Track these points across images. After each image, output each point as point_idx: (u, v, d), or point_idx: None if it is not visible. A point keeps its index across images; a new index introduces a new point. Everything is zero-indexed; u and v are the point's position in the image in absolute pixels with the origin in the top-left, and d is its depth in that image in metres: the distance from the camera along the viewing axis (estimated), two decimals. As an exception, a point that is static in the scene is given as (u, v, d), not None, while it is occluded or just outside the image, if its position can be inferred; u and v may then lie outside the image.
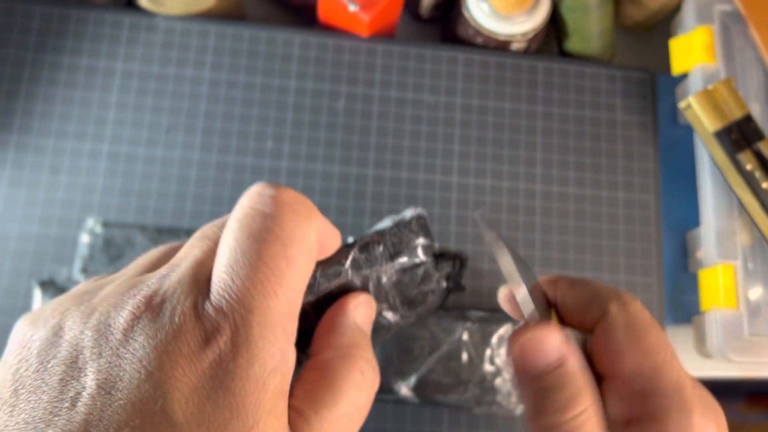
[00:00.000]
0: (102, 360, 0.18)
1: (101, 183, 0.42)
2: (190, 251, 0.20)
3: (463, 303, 0.42)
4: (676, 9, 0.48)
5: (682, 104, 0.43)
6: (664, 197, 0.45)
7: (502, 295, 0.27)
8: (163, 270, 0.20)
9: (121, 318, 0.18)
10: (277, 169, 0.43)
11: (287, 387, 0.19)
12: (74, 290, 0.21)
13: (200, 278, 0.19)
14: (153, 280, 0.19)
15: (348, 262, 0.23)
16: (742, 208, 0.41)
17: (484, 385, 0.39)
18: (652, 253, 0.44)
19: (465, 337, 0.40)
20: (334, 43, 0.45)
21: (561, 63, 0.47)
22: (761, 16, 0.44)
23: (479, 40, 0.46)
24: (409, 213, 0.24)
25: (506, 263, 0.24)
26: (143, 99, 0.44)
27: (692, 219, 0.44)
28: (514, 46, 0.46)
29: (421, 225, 0.25)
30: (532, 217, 0.44)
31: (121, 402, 0.17)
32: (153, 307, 0.18)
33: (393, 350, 0.40)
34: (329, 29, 0.46)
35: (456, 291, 0.27)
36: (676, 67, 0.45)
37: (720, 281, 0.40)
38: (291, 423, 0.19)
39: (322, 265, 0.23)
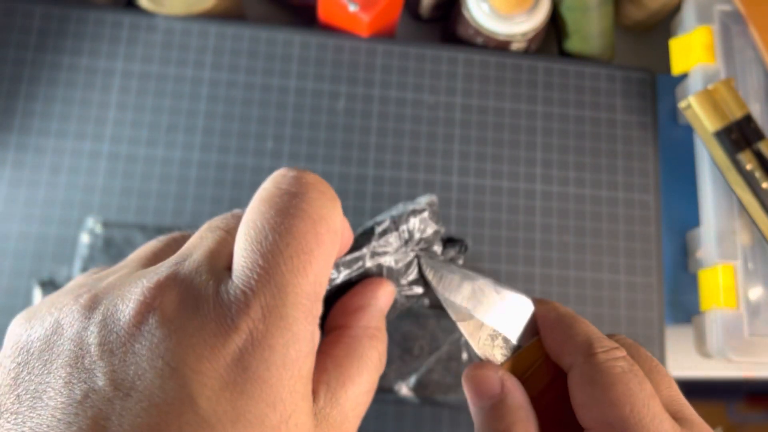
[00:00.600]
0: (114, 358, 0.16)
1: (101, 183, 0.42)
2: (201, 241, 0.19)
3: (463, 303, 0.42)
4: (676, 9, 0.48)
5: (682, 104, 0.43)
6: (664, 197, 0.45)
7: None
8: (173, 259, 0.18)
9: (131, 309, 0.16)
10: (278, 169, 0.43)
11: (313, 369, 0.18)
12: (70, 284, 0.19)
13: (218, 266, 0.18)
14: (163, 268, 0.17)
15: (368, 251, 0.23)
16: (742, 208, 0.41)
17: (484, 385, 0.39)
18: (652, 253, 0.44)
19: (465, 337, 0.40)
20: (334, 43, 0.45)
21: (561, 63, 0.47)
22: (761, 16, 0.44)
23: (479, 40, 0.46)
24: (423, 199, 0.25)
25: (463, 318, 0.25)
26: (143, 99, 0.44)
27: (692, 219, 0.44)
28: (514, 46, 0.46)
29: (434, 212, 0.25)
30: (532, 217, 0.44)
31: (144, 405, 0.15)
32: (168, 295, 0.16)
33: (393, 350, 0.40)
34: (329, 29, 0.46)
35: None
36: (676, 67, 0.45)
37: (720, 281, 0.40)
38: (315, 394, 0.18)
39: (343, 257, 0.23)
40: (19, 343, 0.17)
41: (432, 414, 0.40)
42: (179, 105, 0.44)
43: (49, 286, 0.40)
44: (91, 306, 0.17)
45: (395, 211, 0.25)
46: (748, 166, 0.40)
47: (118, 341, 0.16)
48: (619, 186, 0.45)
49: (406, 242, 0.24)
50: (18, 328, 0.18)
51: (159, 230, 0.41)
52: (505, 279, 0.42)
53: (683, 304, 0.43)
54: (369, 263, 0.23)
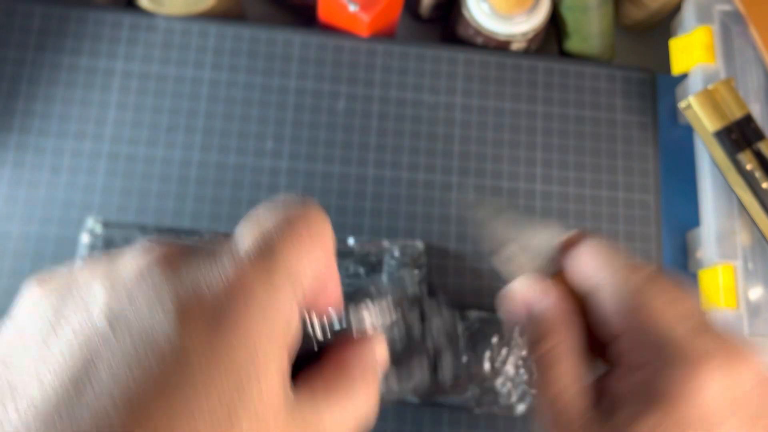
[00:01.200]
0: (113, 296, 0.17)
1: (101, 183, 0.42)
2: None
3: (464, 303, 0.42)
4: (676, 9, 0.48)
5: (682, 104, 0.43)
6: (664, 197, 0.45)
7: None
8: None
9: (138, 257, 0.18)
10: (277, 169, 0.43)
11: (290, 352, 0.19)
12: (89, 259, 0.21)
13: (227, 242, 0.20)
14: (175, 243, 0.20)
15: (351, 317, 0.24)
16: (742, 208, 0.41)
17: (484, 385, 0.39)
18: (652, 253, 0.44)
19: (465, 337, 0.40)
20: (334, 43, 0.45)
21: (561, 63, 0.47)
22: (761, 16, 0.44)
23: (479, 40, 0.46)
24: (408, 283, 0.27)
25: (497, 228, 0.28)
26: (143, 99, 0.44)
27: (692, 219, 0.44)
28: (514, 46, 0.46)
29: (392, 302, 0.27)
30: (532, 217, 0.44)
31: (133, 341, 0.16)
32: (171, 248, 0.18)
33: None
34: (329, 29, 0.46)
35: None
36: (676, 67, 0.45)
37: (720, 281, 0.40)
38: (301, 399, 0.19)
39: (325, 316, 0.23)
40: (35, 303, 0.19)
41: (432, 414, 0.40)
42: (179, 105, 0.44)
43: (49, 286, 0.40)
44: (103, 260, 0.19)
45: (380, 284, 0.26)
46: (748, 166, 0.40)
47: (120, 282, 0.18)
48: (619, 186, 0.45)
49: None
50: (36, 288, 0.20)
51: (159, 230, 0.41)
52: (504, 279, 0.42)
53: (683, 304, 0.43)
54: (356, 325, 0.24)
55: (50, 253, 0.41)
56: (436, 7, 0.49)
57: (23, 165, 0.42)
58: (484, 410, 0.39)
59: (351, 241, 0.42)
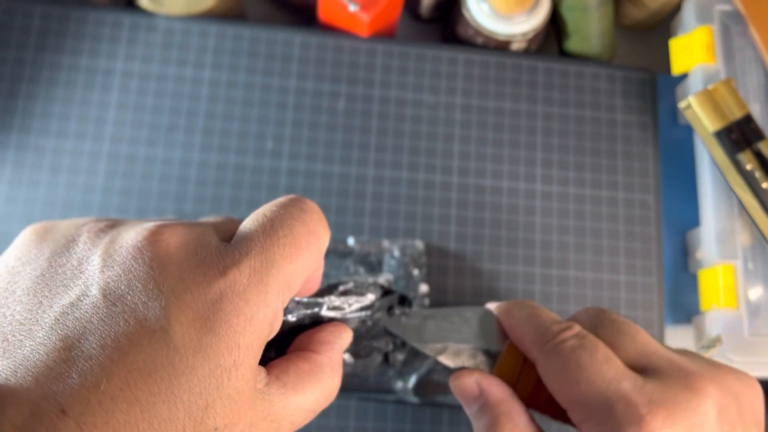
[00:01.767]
0: (112, 272, 0.18)
1: (101, 183, 0.42)
2: (209, 217, 0.22)
3: (463, 303, 0.42)
4: (676, 9, 0.48)
5: (682, 104, 0.43)
6: (664, 197, 0.45)
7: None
8: (184, 221, 0.21)
9: (139, 235, 0.19)
10: (277, 169, 0.43)
11: (262, 346, 0.20)
12: (93, 217, 0.22)
13: (223, 231, 0.21)
14: (176, 221, 0.20)
15: (326, 302, 0.25)
16: (742, 208, 0.41)
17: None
18: (652, 253, 0.44)
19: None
20: (334, 43, 0.45)
21: (561, 63, 0.47)
22: (761, 16, 0.44)
23: (479, 40, 0.46)
24: (382, 278, 0.28)
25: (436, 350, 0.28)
26: (143, 99, 0.44)
27: (692, 219, 0.44)
28: (514, 46, 0.46)
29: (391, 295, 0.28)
30: (532, 217, 0.44)
31: (125, 316, 0.17)
32: (174, 235, 0.19)
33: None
34: (329, 29, 0.46)
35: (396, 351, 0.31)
36: (676, 67, 0.45)
37: (720, 281, 0.40)
38: (271, 385, 0.20)
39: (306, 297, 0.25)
40: (30, 245, 0.20)
41: (432, 414, 0.40)
42: (179, 105, 0.44)
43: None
44: (106, 230, 0.20)
45: (358, 277, 0.27)
46: (748, 166, 0.40)
47: (120, 259, 0.18)
48: (619, 186, 0.45)
49: (365, 308, 0.27)
50: (32, 235, 0.21)
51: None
52: (505, 279, 0.42)
53: (683, 304, 0.43)
54: (324, 312, 0.25)
55: (50, 253, 0.41)
56: (436, 7, 0.49)
57: (23, 165, 0.42)
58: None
59: (351, 241, 0.42)
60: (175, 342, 0.17)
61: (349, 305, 0.26)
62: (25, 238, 0.21)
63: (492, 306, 0.28)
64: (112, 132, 0.43)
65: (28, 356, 0.16)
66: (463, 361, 0.28)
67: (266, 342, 0.20)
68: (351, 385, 0.35)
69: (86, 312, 0.17)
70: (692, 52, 0.44)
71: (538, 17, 0.44)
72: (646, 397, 0.22)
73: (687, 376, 0.22)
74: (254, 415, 0.19)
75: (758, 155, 0.40)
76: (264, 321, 0.19)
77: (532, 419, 0.26)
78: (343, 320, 0.26)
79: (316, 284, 0.24)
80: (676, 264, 0.44)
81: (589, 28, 0.46)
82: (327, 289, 0.26)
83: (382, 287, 0.27)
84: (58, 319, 0.17)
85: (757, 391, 0.24)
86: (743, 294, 0.40)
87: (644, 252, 0.44)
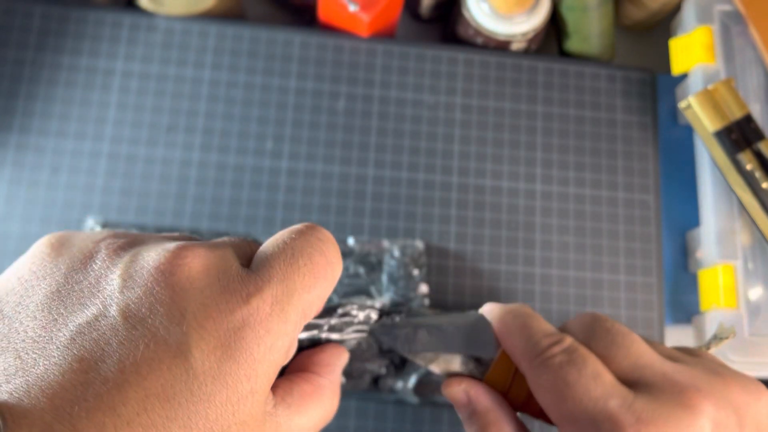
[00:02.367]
0: (132, 293, 0.18)
1: (101, 183, 0.42)
2: (228, 239, 0.22)
3: (463, 303, 0.42)
4: (676, 9, 0.48)
5: (682, 104, 0.43)
6: (664, 197, 0.45)
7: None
8: (206, 242, 0.21)
9: (162, 257, 0.18)
10: (277, 169, 0.43)
11: (277, 371, 0.20)
12: (110, 231, 0.21)
13: (241, 254, 0.21)
14: (196, 243, 0.20)
15: (325, 323, 0.26)
16: (742, 208, 0.41)
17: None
18: (652, 253, 0.44)
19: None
20: (334, 43, 0.45)
21: (561, 63, 0.47)
22: (761, 16, 0.44)
23: (479, 40, 0.46)
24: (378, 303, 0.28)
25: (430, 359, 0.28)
26: (143, 99, 0.44)
27: (692, 219, 0.44)
28: (514, 46, 0.46)
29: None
30: (532, 217, 0.44)
31: (146, 339, 0.17)
32: (197, 258, 0.19)
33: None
34: (329, 29, 0.46)
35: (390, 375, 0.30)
36: (676, 67, 0.45)
37: (720, 281, 0.40)
38: (278, 408, 0.20)
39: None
40: (45, 258, 0.19)
41: (432, 414, 0.40)
42: (179, 105, 0.44)
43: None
44: (126, 247, 0.19)
45: (357, 300, 0.28)
46: (748, 166, 0.40)
47: (141, 281, 0.18)
48: (619, 186, 0.45)
49: (362, 330, 0.27)
50: (47, 248, 0.20)
51: (159, 230, 0.41)
52: (505, 279, 0.42)
53: (683, 304, 0.43)
54: (323, 335, 0.25)
55: (50, 253, 0.41)
56: (436, 7, 0.49)
57: (23, 165, 0.42)
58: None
59: (351, 241, 0.42)
60: (195, 368, 0.17)
61: (347, 327, 0.26)
62: (39, 249, 0.20)
63: (488, 309, 0.28)
64: (112, 132, 0.43)
65: (42, 376, 0.16)
66: (455, 367, 0.27)
67: (281, 368, 0.20)
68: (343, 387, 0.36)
69: (104, 333, 0.17)
70: (692, 52, 0.44)
71: (538, 17, 0.44)
72: (634, 416, 0.21)
73: (681, 392, 0.21)
74: None
75: (758, 155, 0.40)
76: (282, 349, 0.19)
77: (522, 427, 0.26)
78: (340, 341, 0.26)
79: (319, 308, 0.24)
80: (676, 264, 0.44)
81: (589, 28, 0.46)
82: (326, 312, 0.26)
83: (380, 311, 0.28)
84: (74, 339, 0.17)
85: (764, 398, 0.23)
86: (743, 294, 0.40)
87: (644, 252, 0.44)
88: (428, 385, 0.39)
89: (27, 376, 0.16)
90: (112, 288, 0.18)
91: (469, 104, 0.45)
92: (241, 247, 0.21)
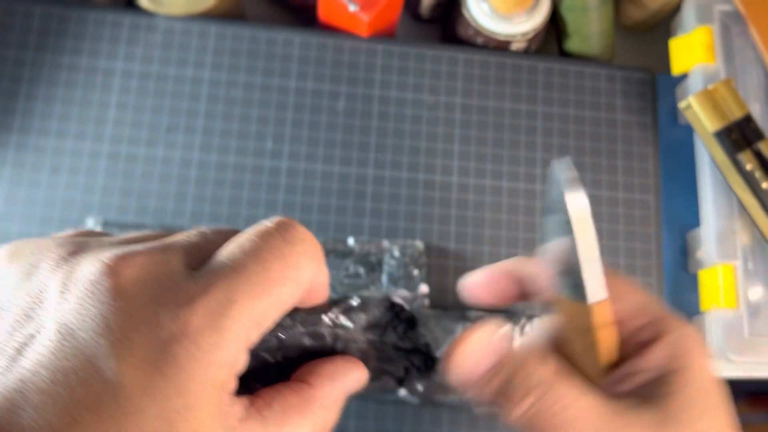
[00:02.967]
0: (66, 305, 0.18)
1: (101, 183, 0.42)
2: (187, 236, 0.21)
3: (464, 303, 0.42)
4: (676, 9, 0.48)
5: (682, 104, 0.43)
6: (664, 197, 0.45)
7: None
8: (156, 241, 0.20)
9: (96, 268, 0.18)
10: (277, 169, 0.43)
11: (232, 387, 0.19)
12: (67, 234, 0.21)
13: (198, 253, 0.20)
14: (141, 245, 0.19)
15: (328, 318, 0.23)
16: (742, 208, 0.41)
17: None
18: (652, 253, 0.44)
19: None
20: (334, 43, 0.45)
21: (561, 63, 0.47)
22: (761, 16, 0.44)
23: (479, 40, 0.46)
24: (398, 298, 0.25)
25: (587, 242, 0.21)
26: (143, 99, 0.44)
27: (692, 219, 0.44)
28: (514, 46, 0.46)
29: (405, 317, 0.25)
30: (532, 217, 0.44)
31: (74, 351, 0.17)
32: (131, 266, 0.18)
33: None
34: (329, 29, 0.46)
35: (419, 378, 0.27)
36: (676, 67, 0.45)
37: (720, 281, 0.40)
38: (247, 422, 0.19)
39: (305, 311, 0.23)
40: None
41: (432, 414, 0.40)
42: (179, 105, 0.44)
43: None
44: (67, 258, 0.19)
45: (365, 292, 0.25)
46: (748, 166, 0.40)
47: (75, 292, 0.18)
48: (619, 186, 0.45)
49: (368, 327, 0.24)
50: (1, 259, 0.20)
51: (159, 230, 0.41)
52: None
53: (683, 304, 0.43)
54: (325, 330, 0.23)
55: (50, 253, 0.41)
56: (436, 7, 0.49)
57: (23, 165, 0.42)
58: (484, 410, 0.39)
59: (351, 241, 0.42)
60: (122, 382, 0.17)
61: (354, 323, 0.24)
62: None
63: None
64: (112, 132, 0.43)
65: None
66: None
67: (233, 380, 0.19)
68: None
69: (41, 345, 0.17)
70: (692, 52, 0.44)
71: (538, 17, 0.44)
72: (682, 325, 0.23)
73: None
74: None
75: (758, 155, 0.40)
76: (218, 364, 0.18)
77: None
78: (350, 340, 0.24)
79: (320, 296, 0.23)
80: (676, 264, 0.44)
81: (589, 28, 0.46)
82: (329, 305, 0.24)
83: (392, 303, 0.25)
84: (18, 350, 0.17)
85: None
86: (743, 294, 0.40)
87: (644, 252, 0.44)
88: (428, 385, 0.39)
89: None
90: (50, 300, 0.18)
91: (469, 104, 0.45)
92: (201, 244, 0.20)
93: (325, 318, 0.23)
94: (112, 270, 0.18)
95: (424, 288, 0.41)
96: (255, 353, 0.21)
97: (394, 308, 0.26)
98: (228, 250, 0.19)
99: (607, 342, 0.22)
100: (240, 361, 0.19)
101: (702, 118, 0.41)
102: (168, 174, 0.43)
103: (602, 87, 0.46)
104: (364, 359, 0.24)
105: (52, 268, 0.19)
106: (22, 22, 0.44)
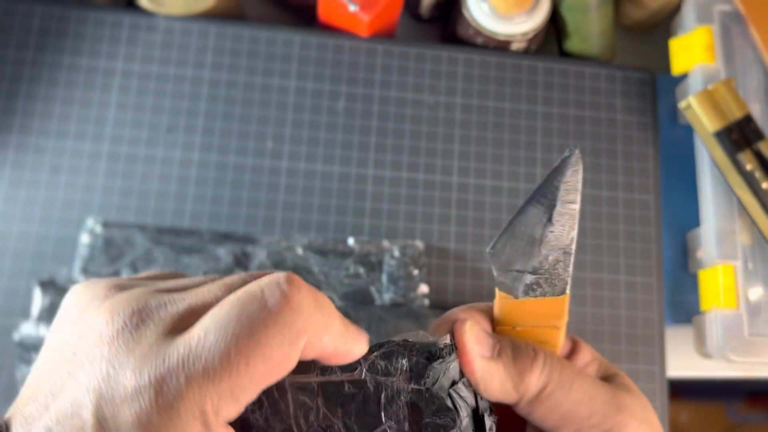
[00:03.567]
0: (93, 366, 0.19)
1: (101, 183, 0.42)
2: (198, 292, 0.20)
3: (463, 303, 0.42)
4: (676, 9, 0.48)
5: (682, 104, 0.43)
6: (664, 197, 0.45)
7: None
8: (163, 297, 0.20)
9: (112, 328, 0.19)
10: (277, 169, 0.43)
11: None
12: (141, 279, 0.22)
13: (191, 316, 0.19)
14: (150, 305, 0.20)
15: (366, 363, 0.22)
16: (742, 208, 0.41)
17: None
18: (652, 253, 0.44)
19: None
20: (334, 43, 0.45)
21: (561, 63, 0.47)
22: (761, 16, 0.44)
23: (479, 40, 0.46)
24: (443, 340, 0.23)
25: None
26: (143, 99, 0.44)
27: (692, 219, 0.44)
28: (514, 46, 0.46)
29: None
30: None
31: (59, 417, 0.18)
32: (112, 373, 0.18)
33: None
34: (329, 29, 0.46)
35: None
36: (676, 67, 0.45)
37: (720, 281, 0.40)
38: None
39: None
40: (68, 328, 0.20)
41: (432, 414, 0.40)
42: (179, 105, 0.44)
43: (49, 286, 0.40)
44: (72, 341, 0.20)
45: (409, 334, 0.23)
46: (748, 166, 0.40)
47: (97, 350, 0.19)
48: (619, 186, 0.45)
49: (413, 379, 0.22)
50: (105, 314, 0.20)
51: (159, 230, 0.41)
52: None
53: (683, 304, 0.43)
54: (366, 376, 0.22)
55: (50, 253, 0.41)
56: (436, 7, 0.49)
57: (23, 165, 0.42)
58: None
59: (351, 241, 0.42)
60: None
61: (396, 370, 0.22)
62: (67, 311, 0.21)
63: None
64: (112, 132, 0.43)
65: (27, 417, 0.18)
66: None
67: None
68: None
69: (69, 394, 0.18)
70: (692, 52, 0.44)
71: (538, 17, 0.44)
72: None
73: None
74: None
75: (758, 155, 0.40)
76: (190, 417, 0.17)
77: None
78: (396, 391, 0.22)
79: (340, 353, 0.21)
80: (676, 264, 0.44)
81: (589, 28, 0.46)
82: (370, 350, 0.22)
83: (429, 351, 0.23)
84: (51, 428, 0.18)
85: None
86: (743, 294, 0.40)
87: (644, 252, 0.44)
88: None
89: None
90: (86, 349, 0.19)
91: (469, 104, 0.45)
92: (191, 309, 0.20)
93: (364, 363, 0.22)
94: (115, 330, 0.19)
95: (424, 288, 0.41)
96: (294, 395, 0.21)
97: (430, 352, 0.23)
98: (203, 324, 0.19)
99: (564, 332, 0.25)
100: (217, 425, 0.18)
101: (702, 118, 0.41)
102: (168, 174, 0.43)
103: (602, 87, 0.46)
104: (414, 414, 0.22)
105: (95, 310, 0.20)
106: (22, 22, 0.44)
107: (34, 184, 0.42)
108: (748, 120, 0.41)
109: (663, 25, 0.50)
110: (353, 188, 0.43)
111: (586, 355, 0.26)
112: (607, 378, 0.25)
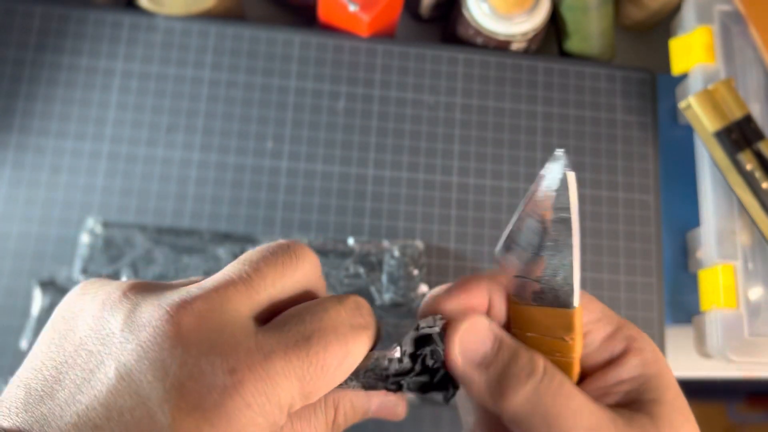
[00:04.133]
0: (128, 346, 0.18)
1: (101, 183, 0.42)
2: (261, 279, 0.21)
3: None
4: (676, 9, 0.48)
5: (682, 104, 0.43)
6: (664, 197, 0.45)
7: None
8: (223, 278, 0.21)
9: (158, 314, 0.19)
10: (277, 169, 0.43)
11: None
12: (128, 282, 0.22)
13: (255, 301, 0.20)
14: (210, 287, 0.20)
15: (390, 366, 0.23)
16: (742, 208, 0.41)
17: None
18: (652, 253, 0.44)
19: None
20: (334, 43, 0.45)
21: (561, 63, 0.47)
22: (761, 16, 0.44)
23: (479, 40, 0.46)
24: (438, 324, 0.23)
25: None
26: (143, 99, 0.44)
27: (692, 219, 0.44)
28: (514, 46, 0.46)
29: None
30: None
31: (129, 391, 0.18)
32: (194, 315, 0.19)
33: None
34: (329, 29, 0.46)
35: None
36: (676, 67, 0.45)
37: (720, 281, 0.40)
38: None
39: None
40: (72, 310, 0.21)
41: (432, 414, 0.40)
42: (179, 105, 0.44)
43: (49, 286, 0.40)
44: (129, 297, 0.20)
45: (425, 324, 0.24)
46: (748, 166, 0.40)
47: (138, 335, 0.18)
48: (619, 186, 0.45)
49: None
50: (76, 291, 0.21)
51: (159, 230, 0.41)
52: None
53: (683, 304, 0.43)
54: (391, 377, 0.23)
55: (50, 253, 0.41)
56: (436, 7, 0.49)
57: (23, 165, 0.42)
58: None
59: (351, 241, 0.42)
60: (172, 425, 0.17)
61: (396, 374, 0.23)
62: (72, 292, 0.22)
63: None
64: (112, 132, 0.43)
65: (46, 415, 0.18)
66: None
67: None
68: None
69: (99, 381, 0.18)
70: (692, 52, 0.44)
71: (538, 17, 0.44)
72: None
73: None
74: None
75: (758, 155, 0.40)
76: (262, 425, 0.18)
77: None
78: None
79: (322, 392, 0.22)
80: (676, 264, 0.44)
81: (589, 28, 0.46)
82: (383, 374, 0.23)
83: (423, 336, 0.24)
84: (78, 385, 0.18)
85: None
86: (743, 294, 0.40)
87: (644, 252, 0.44)
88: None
89: (32, 413, 0.18)
90: (111, 339, 0.19)
91: (469, 104, 0.45)
92: (263, 291, 0.20)
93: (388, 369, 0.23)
94: (173, 318, 0.19)
95: (424, 288, 0.41)
96: None
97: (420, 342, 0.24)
98: (296, 324, 0.20)
99: (580, 346, 0.22)
100: (280, 423, 0.19)
101: (702, 118, 0.41)
102: (168, 174, 0.43)
103: (602, 87, 0.46)
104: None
105: (114, 304, 0.20)
106: (22, 22, 0.44)
107: (34, 184, 0.42)
108: (748, 120, 0.41)
109: (663, 25, 0.50)
110: (353, 188, 0.43)
111: (592, 315, 0.23)
112: (613, 334, 0.23)
